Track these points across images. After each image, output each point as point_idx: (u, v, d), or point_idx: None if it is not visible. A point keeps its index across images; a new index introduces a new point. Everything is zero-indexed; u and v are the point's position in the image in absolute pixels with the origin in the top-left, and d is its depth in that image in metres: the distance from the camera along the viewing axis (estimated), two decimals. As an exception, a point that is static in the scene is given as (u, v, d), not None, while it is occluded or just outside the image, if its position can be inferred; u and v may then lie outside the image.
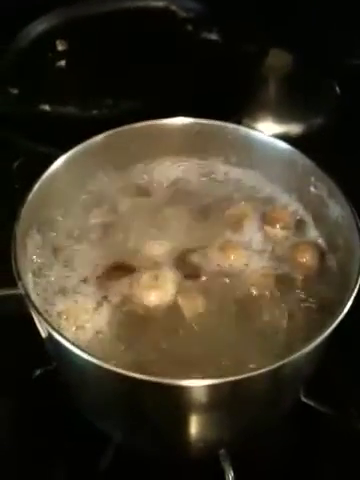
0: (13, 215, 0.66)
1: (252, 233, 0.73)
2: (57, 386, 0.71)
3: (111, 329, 0.65)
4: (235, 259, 0.70)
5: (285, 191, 0.77)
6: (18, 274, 0.61)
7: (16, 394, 0.77)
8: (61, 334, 0.58)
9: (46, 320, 0.59)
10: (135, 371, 0.55)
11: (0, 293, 0.61)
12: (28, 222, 0.67)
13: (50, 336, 0.58)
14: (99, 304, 0.66)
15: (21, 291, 0.60)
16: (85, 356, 0.56)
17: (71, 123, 0.99)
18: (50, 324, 0.58)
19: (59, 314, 0.65)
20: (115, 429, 0.71)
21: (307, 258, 0.70)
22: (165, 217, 0.75)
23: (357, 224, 0.65)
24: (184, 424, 0.64)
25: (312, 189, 0.73)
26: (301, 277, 0.69)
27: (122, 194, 0.77)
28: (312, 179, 0.73)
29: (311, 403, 0.73)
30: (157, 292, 0.67)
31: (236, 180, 0.79)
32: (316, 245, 0.72)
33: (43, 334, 0.61)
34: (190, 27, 1.17)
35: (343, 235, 0.68)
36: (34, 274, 0.68)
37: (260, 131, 0.77)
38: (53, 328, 0.58)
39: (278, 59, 1.06)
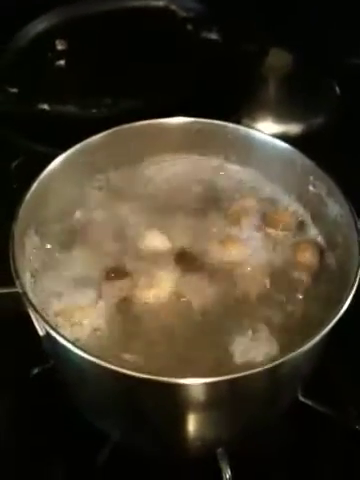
0: (11, 214, 0.66)
1: (251, 231, 0.73)
2: (55, 384, 0.71)
3: (109, 328, 0.65)
4: (235, 254, 0.70)
5: (284, 190, 0.77)
6: (16, 273, 0.61)
7: (14, 392, 0.77)
8: (58, 332, 0.58)
9: (43, 318, 0.59)
10: (133, 369, 0.55)
11: (-1, 291, 0.61)
12: (26, 221, 0.67)
13: (48, 334, 0.58)
14: (97, 303, 0.66)
15: (19, 290, 0.60)
16: (82, 354, 0.56)
17: (70, 122, 0.99)
18: (47, 322, 0.58)
19: (56, 313, 0.65)
20: (113, 427, 0.71)
21: (307, 256, 0.70)
22: (164, 215, 0.75)
23: (356, 223, 0.66)
24: (182, 422, 0.64)
25: (311, 188, 0.73)
26: (301, 275, 0.69)
27: (121, 193, 0.77)
28: (311, 178, 0.73)
29: (309, 402, 0.73)
30: (154, 290, 0.67)
31: (235, 179, 0.79)
32: (316, 243, 0.72)
33: (41, 332, 0.61)
34: (190, 26, 1.17)
35: (342, 234, 0.68)
36: (32, 273, 0.68)
37: (260, 130, 0.77)
38: (50, 326, 0.58)
39: (278, 59, 1.06)
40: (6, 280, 0.61)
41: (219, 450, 0.71)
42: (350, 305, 0.59)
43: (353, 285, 0.60)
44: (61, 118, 1.02)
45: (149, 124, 0.77)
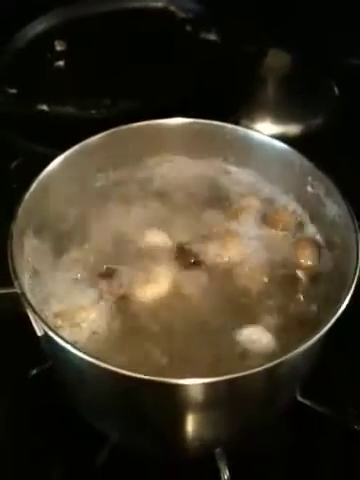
0: (10, 214, 0.66)
1: (251, 229, 0.74)
2: (53, 385, 0.71)
3: (107, 328, 0.65)
4: (234, 253, 0.70)
5: (283, 190, 0.77)
6: (14, 273, 0.61)
7: (12, 393, 0.77)
8: (57, 333, 0.58)
9: (42, 319, 0.59)
10: (131, 370, 0.55)
11: (-3, 292, 0.61)
12: (25, 222, 0.67)
13: (46, 335, 0.58)
14: (96, 303, 0.66)
15: (17, 290, 0.60)
16: (81, 355, 0.56)
17: (69, 123, 0.99)
18: (46, 323, 0.58)
19: (55, 314, 0.65)
20: (111, 428, 0.71)
21: (306, 254, 0.71)
22: (163, 215, 0.75)
23: (354, 223, 0.66)
24: (180, 423, 0.64)
25: (309, 189, 0.73)
26: (299, 274, 0.69)
27: (120, 193, 0.77)
28: (309, 179, 0.73)
29: (307, 402, 0.73)
30: (152, 287, 0.67)
31: (234, 180, 0.79)
32: (314, 242, 0.72)
33: (39, 333, 0.61)
34: (189, 27, 1.17)
35: (340, 234, 0.68)
36: (30, 274, 0.68)
37: (258, 131, 0.77)
38: (49, 327, 0.58)
39: (277, 59, 1.06)
40: (5, 280, 0.61)
41: (217, 450, 0.71)
42: (348, 305, 0.59)
43: (351, 285, 0.60)
44: (60, 119, 1.02)
45: (148, 125, 0.77)
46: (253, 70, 1.07)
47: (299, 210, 0.75)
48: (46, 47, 1.13)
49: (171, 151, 0.79)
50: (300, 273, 0.69)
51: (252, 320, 0.65)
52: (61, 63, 1.11)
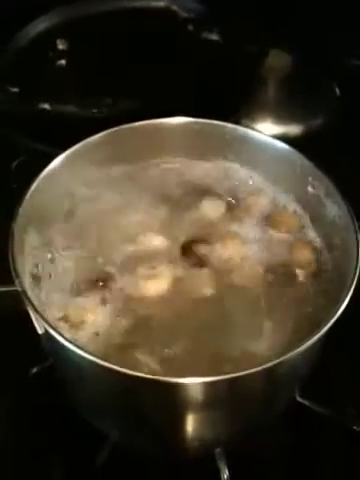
0: (11, 213, 0.66)
1: (253, 230, 0.74)
2: (54, 383, 0.71)
3: (109, 326, 0.65)
4: (235, 252, 0.71)
5: (283, 191, 0.77)
6: (15, 271, 0.61)
7: (13, 391, 0.78)
8: (57, 331, 0.58)
9: (43, 317, 0.59)
10: (131, 368, 0.55)
11: (-2, 290, 0.61)
12: (26, 220, 0.67)
13: (47, 333, 0.58)
14: (97, 304, 0.66)
15: (18, 288, 0.60)
16: (81, 353, 0.56)
17: (71, 122, 0.99)
18: (47, 321, 0.58)
19: (56, 312, 0.65)
20: (111, 427, 0.71)
21: (306, 255, 0.71)
22: (164, 214, 0.75)
23: (354, 224, 0.66)
24: (180, 422, 0.64)
25: (310, 189, 0.73)
26: (298, 275, 0.69)
27: (121, 193, 0.77)
28: (310, 179, 0.73)
29: (306, 403, 0.73)
30: (155, 282, 0.67)
31: (235, 180, 0.79)
32: (314, 244, 0.72)
33: (40, 331, 0.61)
34: (191, 27, 1.17)
35: (340, 235, 0.69)
36: (31, 272, 0.68)
37: (259, 131, 0.77)
38: (49, 325, 0.58)
39: (278, 60, 1.06)
40: (5, 278, 0.61)
41: (217, 450, 0.71)
42: (348, 305, 0.59)
43: (351, 286, 0.60)
44: (61, 118, 1.02)
45: (149, 124, 0.77)
46: (254, 70, 1.07)
47: (299, 210, 0.75)
48: (48, 46, 1.13)
49: (172, 150, 0.79)
50: (300, 273, 0.70)
51: (252, 320, 0.65)
52: (63, 62, 1.11)
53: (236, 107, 1.01)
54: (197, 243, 0.72)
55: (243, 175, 0.79)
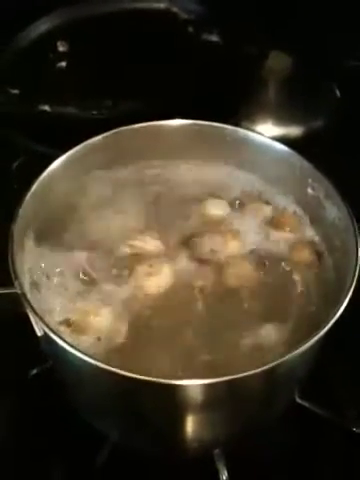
0: (11, 215, 0.66)
1: (252, 230, 0.74)
2: (54, 385, 0.71)
3: (109, 328, 0.65)
4: (234, 251, 0.71)
5: (283, 192, 0.77)
6: (15, 273, 0.61)
7: (13, 393, 0.78)
8: (56, 333, 0.58)
9: (42, 319, 0.59)
10: (130, 370, 0.55)
11: (-3, 292, 0.61)
12: (26, 222, 0.67)
13: (46, 335, 0.58)
14: (98, 303, 0.66)
15: (17, 290, 0.60)
16: (80, 355, 0.56)
17: (71, 123, 0.99)
18: (46, 323, 0.58)
19: (55, 314, 0.65)
20: (111, 428, 0.71)
21: (304, 257, 0.71)
22: (164, 215, 0.75)
23: (353, 226, 0.66)
24: (179, 423, 0.64)
25: (310, 190, 0.73)
26: (298, 276, 0.70)
27: (121, 194, 0.77)
28: (310, 181, 0.73)
29: (306, 404, 0.73)
30: (155, 278, 0.67)
31: (235, 181, 0.79)
32: (314, 245, 0.72)
33: (39, 333, 0.61)
34: (191, 29, 1.17)
35: (340, 236, 0.69)
36: (31, 274, 0.68)
37: (258, 133, 0.77)
38: (49, 327, 0.58)
39: (278, 61, 1.07)
40: (5, 280, 0.61)
41: (216, 451, 0.71)
42: (347, 307, 0.59)
43: (350, 287, 0.60)
44: (61, 119, 1.02)
45: (149, 126, 0.77)
46: (254, 72, 1.07)
47: (299, 212, 0.76)
48: (48, 48, 1.13)
49: (172, 152, 0.79)
50: (299, 274, 0.70)
51: (251, 320, 0.65)
52: (63, 64, 1.11)
53: (236, 109, 1.01)
54: (197, 240, 0.72)
55: (243, 177, 0.79)
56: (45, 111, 1.02)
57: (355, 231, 0.65)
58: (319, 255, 0.71)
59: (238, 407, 0.63)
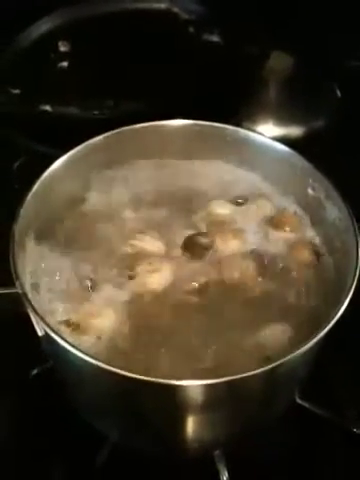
0: (12, 215, 0.66)
1: (252, 230, 0.74)
2: (54, 385, 0.71)
3: (111, 328, 0.65)
4: (235, 249, 0.71)
5: (284, 193, 0.77)
6: (16, 273, 0.61)
7: (14, 393, 0.78)
8: (57, 333, 0.58)
9: (43, 319, 0.59)
10: (130, 370, 0.55)
11: (-2, 292, 0.62)
12: (27, 222, 0.67)
13: (47, 335, 0.59)
14: (99, 304, 0.66)
15: (19, 290, 0.60)
16: (81, 355, 0.56)
17: (72, 124, 0.99)
18: (47, 323, 0.59)
19: (57, 314, 0.65)
20: (111, 428, 0.71)
21: (304, 258, 0.71)
22: (165, 215, 0.75)
23: (354, 226, 0.66)
24: (180, 424, 0.64)
25: (310, 191, 0.73)
26: (298, 276, 0.70)
27: (122, 194, 0.77)
28: (310, 181, 0.73)
29: (306, 405, 0.73)
30: (157, 275, 0.68)
31: (236, 181, 0.79)
32: (314, 245, 0.72)
33: (40, 333, 0.62)
34: (192, 29, 1.17)
35: (340, 237, 0.69)
36: (32, 274, 0.68)
37: (259, 133, 0.77)
38: (50, 327, 0.58)
39: (279, 61, 1.07)
40: (6, 280, 0.61)
41: (216, 452, 0.71)
42: (348, 307, 0.59)
43: (350, 288, 0.60)
44: (63, 119, 1.02)
45: (150, 126, 0.77)
46: (255, 72, 1.07)
47: (300, 212, 0.76)
48: (50, 48, 1.13)
49: (173, 152, 0.79)
50: (300, 274, 0.70)
51: (253, 320, 0.65)
52: (64, 64, 1.11)
53: (237, 109, 1.01)
54: (199, 239, 0.72)
55: (244, 177, 0.79)
56: (46, 111, 1.02)
57: (355, 231, 0.65)
58: (319, 255, 0.71)
59: (238, 407, 0.63)
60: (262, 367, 0.56)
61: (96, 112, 1.02)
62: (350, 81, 1.07)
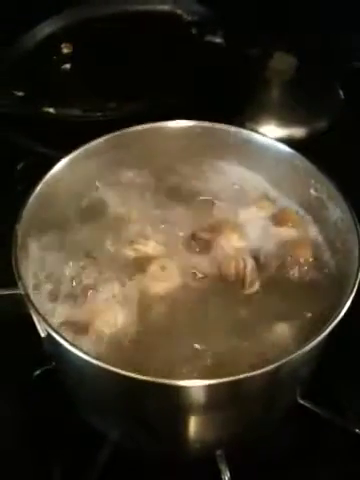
0: (15, 216, 0.66)
1: (254, 229, 0.74)
2: (57, 385, 0.71)
3: (113, 329, 0.65)
4: (237, 246, 0.71)
5: (286, 193, 0.77)
6: (18, 274, 0.61)
7: (16, 393, 0.78)
8: (60, 334, 0.58)
9: (45, 320, 0.59)
10: (133, 371, 0.55)
11: (0, 293, 0.61)
12: (30, 223, 0.68)
13: (49, 336, 0.59)
14: (101, 304, 0.67)
15: (21, 291, 0.60)
16: (83, 356, 0.56)
17: (75, 125, 1.00)
18: (49, 324, 0.59)
19: (58, 315, 0.65)
20: (113, 428, 0.71)
21: (306, 258, 0.71)
22: (167, 216, 0.75)
23: (356, 227, 0.66)
24: (182, 424, 0.64)
25: (312, 191, 0.73)
26: (300, 276, 0.70)
27: (125, 195, 0.77)
28: (313, 182, 0.73)
29: (308, 405, 0.73)
30: (160, 277, 0.68)
31: (238, 182, 0.79)
32: (316, 246, 0.72)
33: (42, 334, 0.62)
34: (194, 30, 1.17)
35: (342, 237, 0.69)
36: (34, 275, 0.68)
37: (261, 133, 0.77)
38: (52, 328, 0.58)
39: (282, 62, 1.06)
40: (8, 281, 0.61)
41: (218, 452, 0.71)
42: (350, 307, 0.59)
43: (353, 288, 0.60)
44: (66, 121, 1.02)
45: (152, 127, 0.77)
46: (258, 73, 1.07)
47: (302, 213, 0.76)
48: (52, 50, 1.14)
49: (176, 153, 0.79)
50: (302, 275, 0.70)
51: (255, 319, 0.66)
52: (67, 66, 1.11)
53: (240, 110, 1.01)
54: (202, 239, 0.72)
55: (246, 177, 0.79)
56: (49, 113, 1.02)
57: (358, 232, 0.65)
58: (321, 256, 0.71)
59: (240, 408, 0.63)
60: (264, 367, 0.56)
61: (99, 114, 1.02)
62: (353, 82, 1.07)
